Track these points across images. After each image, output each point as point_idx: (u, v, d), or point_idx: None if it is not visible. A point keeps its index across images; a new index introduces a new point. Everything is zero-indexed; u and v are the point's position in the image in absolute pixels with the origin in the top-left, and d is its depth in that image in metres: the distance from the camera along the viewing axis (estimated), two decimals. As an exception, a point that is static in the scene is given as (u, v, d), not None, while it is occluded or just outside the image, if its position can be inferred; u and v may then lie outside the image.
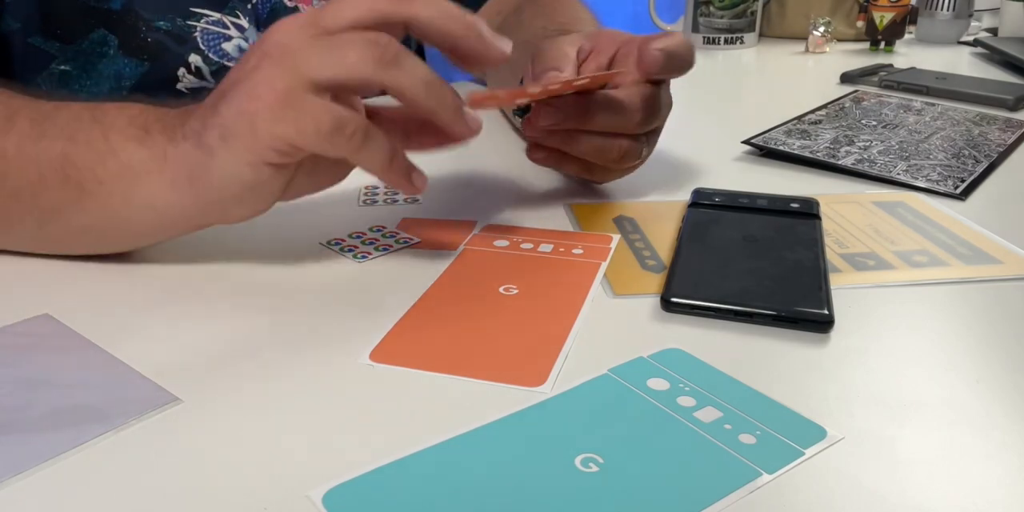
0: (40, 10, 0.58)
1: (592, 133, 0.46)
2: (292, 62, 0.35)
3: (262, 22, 0.67)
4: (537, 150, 0.49)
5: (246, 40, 0.66)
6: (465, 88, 0.83)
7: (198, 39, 0.63)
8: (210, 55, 0.64)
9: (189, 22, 0.62)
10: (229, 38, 0.65)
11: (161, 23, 0.61)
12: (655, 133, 0.50)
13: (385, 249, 0.44)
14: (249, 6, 0.66)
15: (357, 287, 0.40)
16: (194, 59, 0.63)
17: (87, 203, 0.38)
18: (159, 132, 0.38)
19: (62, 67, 0.60)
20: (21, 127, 0.39)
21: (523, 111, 0.54)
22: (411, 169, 0.39)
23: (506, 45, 0.38)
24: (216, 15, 0.64)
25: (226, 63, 0.65)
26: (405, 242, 0.45)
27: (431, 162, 0.59)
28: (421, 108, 0.36)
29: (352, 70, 0.35)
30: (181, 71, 0.63)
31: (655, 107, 0.46)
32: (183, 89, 0.64)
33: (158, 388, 0.32)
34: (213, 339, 0.35)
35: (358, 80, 0.35)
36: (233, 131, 0.35)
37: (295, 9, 0.69)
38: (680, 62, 0.45)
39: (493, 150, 0.63)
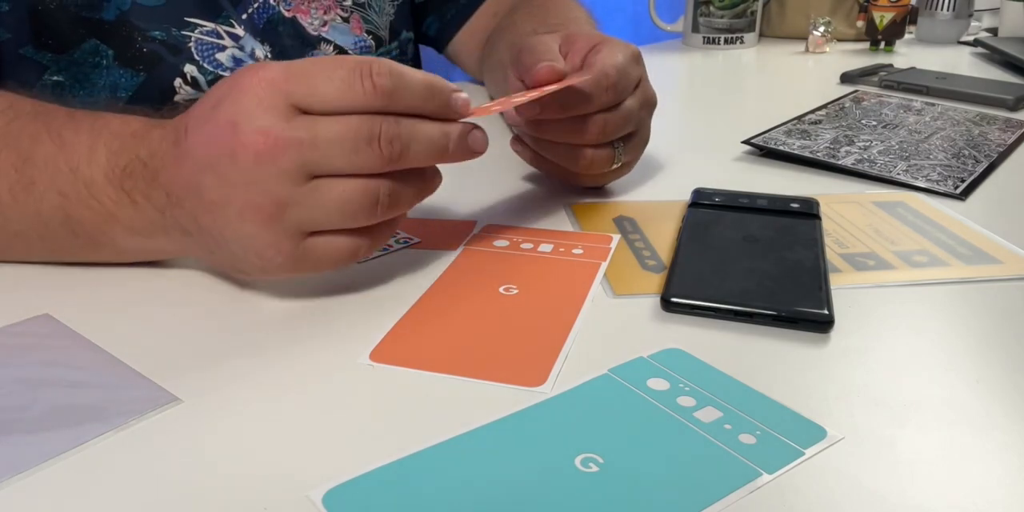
0: (31, 20, 0.57)
1: (559, 146, 0.47)
2: (289, 223, 0.34)
3: (259, 32, 0.67)
4: (517, 142, 0.50)
5: (241, 49, 0.66)
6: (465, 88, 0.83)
7: (192, 49, 0.63)
8: (205, 65, 0.64)
9: (184, 32, 0.62)
10: (223, 48, 0.65)
11: (156, 33, 0.61)
12: (630, 140, 0.49)
13: (385, 249, 0.44)
14: (245, 16, 0.66)
15: (357, 287, 0.40)
16: (189, 69, 0.63)
17: (100, 250, 0.40)
18: (146, 203, 0.37)
19: (55, 78, 0.60)
20: (5, 171, 0.38)
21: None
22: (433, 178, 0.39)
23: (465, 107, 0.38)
24: (210, 25, 0.64)
25: (220, 73, 0.65)
26: (405, 242, 0.45)
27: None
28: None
29: (353, 208, 0.34)
30: (178, 82, 0.63)
31: (613, 119, 0.46)
32: (181, 102, 0.64)
33: (158, 388, 0.32)
34: (213, 339, 0.35)
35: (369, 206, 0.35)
36: (246, 268, 0.36)
37: (292, 19, 0.69)
38: (596, 88, 0.44)
39: (493, 150, 0.63)
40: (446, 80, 0.37)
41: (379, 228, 0.37)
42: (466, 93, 0.37)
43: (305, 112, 0.33)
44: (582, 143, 0.47)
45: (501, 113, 0.66)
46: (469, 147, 0.38)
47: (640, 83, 0.49)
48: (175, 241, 0.38)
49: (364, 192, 0.34)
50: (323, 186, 0.34)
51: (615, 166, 0.49)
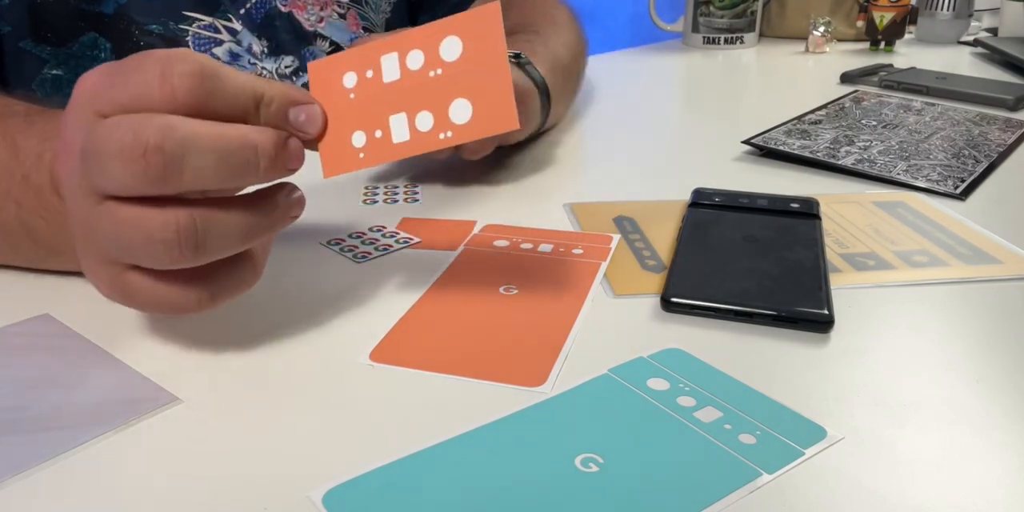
0: (30, 13, 0.58)
1: None
2: (97, 249, 0.30)
3: (256, 27, 0.67)
4: None
5: (238, 44, 0.66)
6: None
7: (190, 43, 0.63)
8: None
9: (181, 26, 0.62)
10: (220, 42, 0.65)
11: (154, 27, 0.61)
12: None
13: (385, 249, 0.44)
14: (242, 10, 0.66)
15: (357, 287, 0.40)
16: None
17: (65, 261, 0.39)
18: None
19: (54, 71, 0.60)
20: None
21: None
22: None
23: None
24: (208, 19, 0.64)
25: None
26: (405, 242, 0.45)
27: (431, 163, 0.59)
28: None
29: (157, 244, 0.28)
30: None
31: None
32: None
33: (158, 388, 0.32)
34: (213, 339, 0.35)
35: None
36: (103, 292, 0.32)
37: (289, 14, 0.69)
38: None
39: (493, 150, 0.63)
40: (299, 90, 0.31)
41: (214, 275, 0.31)
42: (316, 109, 0.32)
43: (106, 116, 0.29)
44: None
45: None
46: (283, 162, 0.30)
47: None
48: None
49: (159, 223, 0.28)
50: (113, 209, 0.29)
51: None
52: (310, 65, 0.34)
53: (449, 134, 0.31)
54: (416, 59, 0.32)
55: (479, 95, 0.30)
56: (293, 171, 0.31)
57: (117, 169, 0.27)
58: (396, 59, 0.32)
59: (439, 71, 0.31)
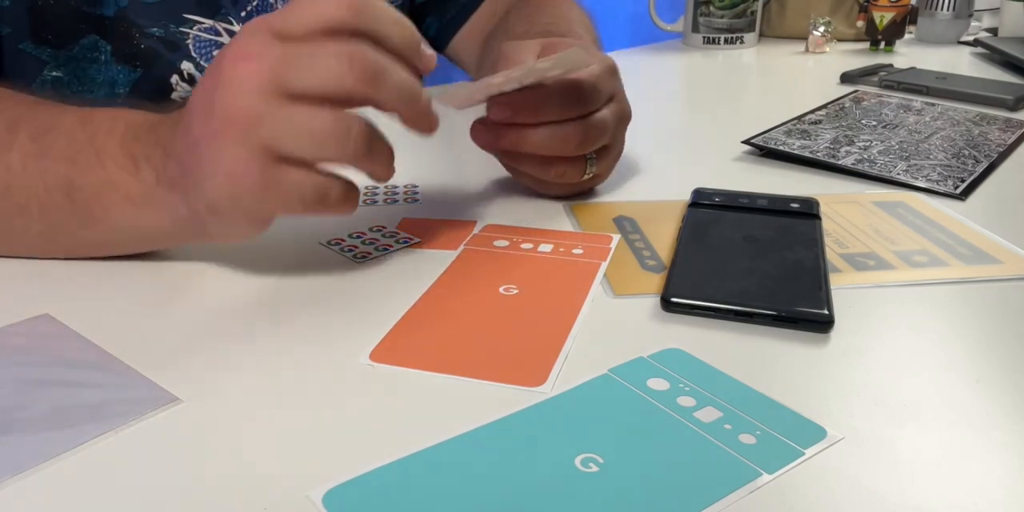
0: (30, 15, 0.57)
1: (532, 157, 0.47)
2: (259, 138, 0.33)
3: None
4: (481, 134, 0.48)
5: None
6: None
7: (190, 46, 0.63)
8: (202, 62, 0.64)
9: (182, 29, 0.62)
10: (221, 45, 0.65)
11: (154, 30, 0.61)
12: (604, 153, 0.49)
13: (385, 249, 0.44)
14: (243, 13, 0.66)
15: (357, 287, 0.40)
16: (186, 66, 0.63)
17: (94, 225, 0.39)
18: (146, 165, 0.38)
19: (54, 73, 0.59)
20: (22, 142, 0.39)
21: None
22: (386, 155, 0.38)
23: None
24: (209, 22, 0.64)
25: None
26: (405, 242, 0.45)
27: (431, 162, 0.59)
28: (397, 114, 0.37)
29: (325, 134, 0.34)
30: (175, 79, 0.63)
31: (587, 129, 0.46)
32: (178, 99, 0.64)
33: (158, 388, 0.32)
34: (213, 339, 0.35)
35: (340, 102, 0.35)
36: (219, 208, 0.35)
37: None
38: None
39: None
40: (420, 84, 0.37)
41: (352, 190, 0.36)
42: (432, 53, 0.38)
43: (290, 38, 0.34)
44: (556, 154, 0.46)
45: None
46: (432, 117, 0.38)
47: (615, 95, 0.48)
48: (164, 209, 0.38)
49: (335, 119, 0.34)
50: (296, 105, 0.33)
51: (586, 177, 0.49)
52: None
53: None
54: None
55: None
56: (433, 130, 0.38)
57: (323, 72, 0.33)
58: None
59: None
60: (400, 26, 0.36)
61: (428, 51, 0.37)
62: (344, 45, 0.33)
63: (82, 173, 0.38)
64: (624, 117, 0.50)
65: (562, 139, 0.45)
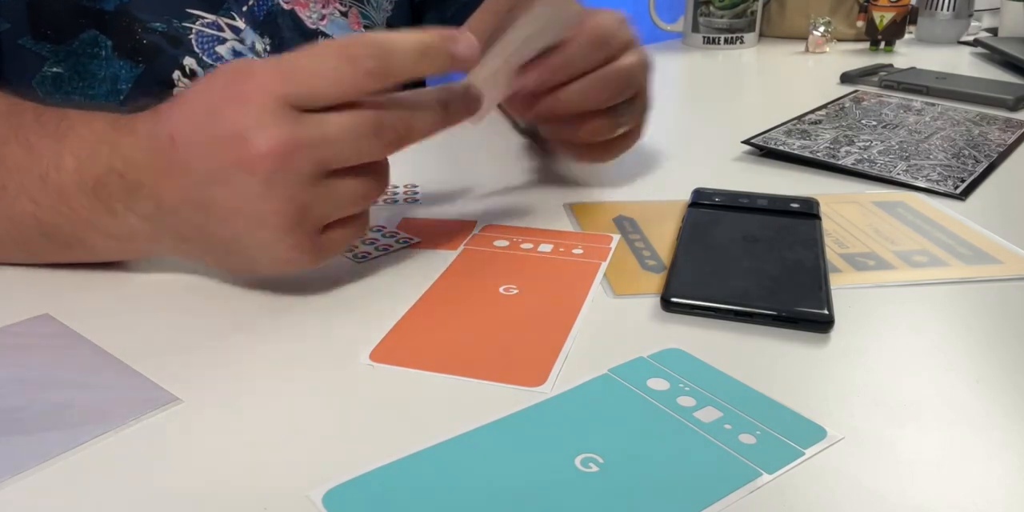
0: (29, 10, 0.57)
1: (567, 121, 0.47)
2: (311, 222, 0.35)
3: (259, 24, 0.67)
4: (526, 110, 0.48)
5: (241, 42, 0.66)
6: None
7: (192, 41, 0.63)
8: (204, 58, 0.64)
9: (184, 24, 0.62)
10: (224, 40, 0.65)
11: (156, 24, 0.61)
12: (632, 103, 0.49)
13: (385, 249, 0.44)
14: (245, 8, 0.66)
15: (357, 287, 0.40)
16: (188, 62, 0.63)
17: (79, 254, 0.39)
18: (124, 209, 0.36)
19: (54, 69, 0.59)
20: None
21: (525, 130, 0.54)
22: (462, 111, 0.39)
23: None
24: (211, 17, 0.64)
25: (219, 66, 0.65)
26: (405, 242, 0.45)
27: (431, 162, 0.59)
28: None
29: (368, 196, 0.36)
30: (176, 74, 0.63)
31: (610, 76, 0.46)
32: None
33: (158, 388, 0.32)
34: (213, 339, 0.35)
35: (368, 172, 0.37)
36: (262, 269, 0.37)
37: (291, 12, 0.69)
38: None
39: (493, 150, 0.63)
40: (442, 30, 0.36)
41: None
42: (468, 35, 0.36)
43: (306, 109, 0.33)
44: (589, 108, 0.46)
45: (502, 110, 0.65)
46: (469, 108, 0.39)
47: (630, 43, 0.48)
48: (164, 245, 0.37)
49: (375, 180, 0.36)
50: (338, 181, 0.35)
51: (620, 131, 0.49)
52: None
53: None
54: None
55: None
56: (475, 112, 0.39)
57: (357, 147, 0.34)
58: None
59: None
60: (426, 61, 0.35)
61: (463, 45, 0.36)
62: (373, 118, 0.34)
63: (49, 213, 0.37)
64: (646, 64, 0.50)
65: (591, 90, 0.45)
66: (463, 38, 0.36)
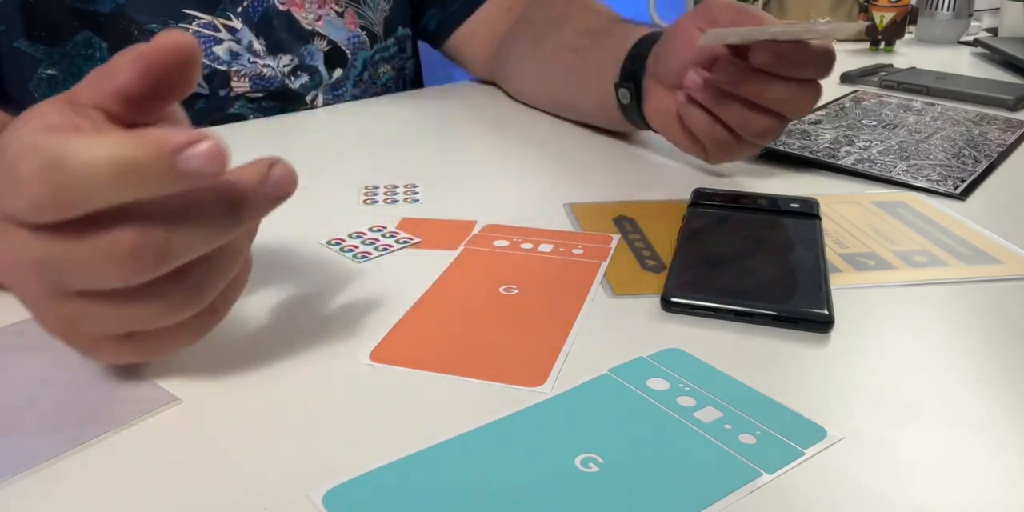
0: (23, 12, 0.57)
1: (743, 103, 0.47)
2: (88, 336, 0.28)
3: (254, 25, 0.67)
4: (691, 108, 0.49)
5: (238, 42, 0.66)
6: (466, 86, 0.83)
7: None
8: (202, 59, 0.64)
9: (182, 24, 0.62)
10: (220, 41, 0.65)
11: (153, 26, 0.61)
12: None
13: (385, 249, 0.44)
14: (240, 9, 0.66)
15: (357, 287, 0.40)
16: None
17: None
18: None
19: (49, 71, 0.59)
20: None
21: (628, 87, 0.55)
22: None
23: None
24: (207, 17, 0.64)
25: (217, 67, 0.65)
26: (405, 242, 0.45)
27: (431, 162, 0.59)
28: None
29: (153, 317, 0.27)
30: None
31: (817, 99, 0.48)
32: None
33: (158, 388, 0.32)
34: (213, 339, 0.35)
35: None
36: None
37: (287, 13, 0.69)
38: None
39: (493, 150, 0.63)
40: (176, 131, 0.24)
41: (195, 277, 0.27)
42: (214, 141, 0.24)
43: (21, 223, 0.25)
44: (787, 113, 0.47)
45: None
46: (272, 197, 0.27)
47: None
48: None
49: (149, 302, 0.27)
50: (97, 303, 0.27)
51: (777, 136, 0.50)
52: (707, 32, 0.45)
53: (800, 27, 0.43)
54: None
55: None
56: (289, 195, 0.27)
57: (104, 274, 0.25)
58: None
59: None
60: (132, 182, 0.23)
61: (201, 151, 0.24)
62: (103, 242, 0.25)
63: None
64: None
65: (802, 98, 0.46)
66: (198, 148, 0.23)
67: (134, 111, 0.28)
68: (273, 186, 0.27)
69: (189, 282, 0.27)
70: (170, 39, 0.27)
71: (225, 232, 0.27)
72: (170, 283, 0.27)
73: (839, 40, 0.44)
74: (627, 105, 0.56)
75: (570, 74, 0.65)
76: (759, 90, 0.46)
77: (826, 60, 0.45)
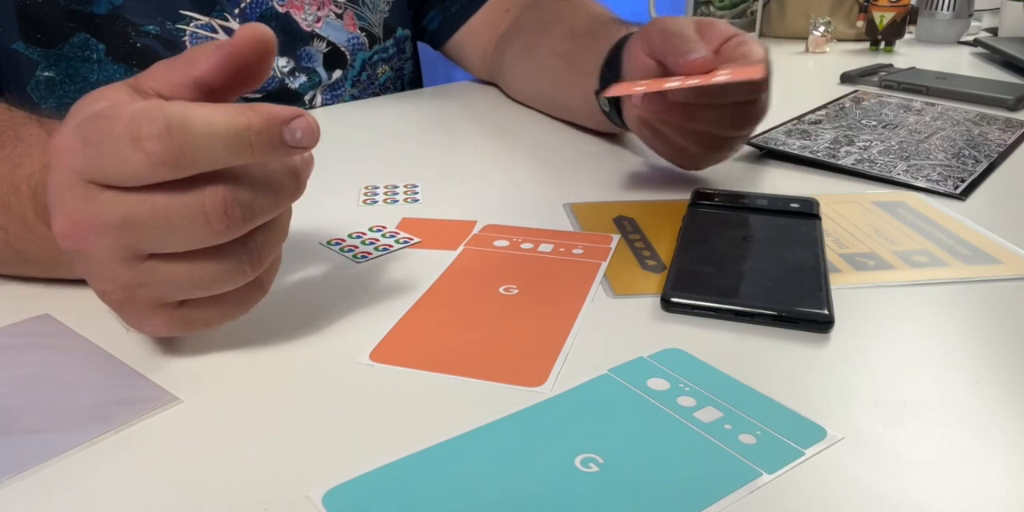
0: (19, 14, 0.57)
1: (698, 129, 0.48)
2: (146, 300, 0.30)
3: None
4: (643, 126, 0.51)
5: None
6: (464, 86, 0.83)
7: (187, 43, 0.63)
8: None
9: (179, 26, 0.62)
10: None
11: (150, 27, 0.61)
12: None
13: (385, 249, 0.44)
14: (237, 10, 0.66)
15: (357, 287, 0.40)
16: None
17: (63, 273, 0.38)
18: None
19: (46, 74, 0.59)
20: None
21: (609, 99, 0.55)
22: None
23: None
24: (205, 19, 0.64)
25: None
26: (405, 242, 0.45)
27: (431, 162, 0.59)
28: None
29: (218, 280, 0.29)
30: None
31: (763, 110, 0.48)
32: None
33: (158, 388, 0.32)
34: (213, 339, 0.35)
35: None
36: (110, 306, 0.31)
37: (286, 15, 0.69)
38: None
39: (493, 150, 0.63)
40: (272, 108, 0.28)
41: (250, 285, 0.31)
42: (308, 117, 0.28)
43: (109, 185, 0.28)
44: (732, 135, 0.48)
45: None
46: (297, 142, 0.29)
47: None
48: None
49: (217, 263, 0.29)
50: (165, 265, 0.29)
51: (731, 155, 0.51)
52: (614, 87, 0.46)
53: (697, 80, 0.42)
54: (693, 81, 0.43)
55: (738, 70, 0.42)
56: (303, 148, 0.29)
57: (181, 233, 0.28)
58: (678, 82, 0.43)
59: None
60: (239, 150, 0.27)
61: (300, 127, 0.28)
62: (188, 201, 0.28)
63: (20, 241, 0.36)
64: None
65: (737, 118, 0.47)
66: (301, 122, 0.28)
67: (206, 101, 0.30)
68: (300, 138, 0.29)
69: (252, 245, 0.30)
70: (252, 31, 0.29)
71: (290, 198, 0.30)
72: (236, 245, 0.29)
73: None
74: (608, 112, 0.57)
75: (559, 79, 0.66)
76: (683, 121, 0.47)
77: (754, 86, 0.45)
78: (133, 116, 0.26)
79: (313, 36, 0.71)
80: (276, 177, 0.29)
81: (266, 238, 0.31)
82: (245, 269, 0.30)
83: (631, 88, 0.43)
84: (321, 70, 0.72)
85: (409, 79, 0.84)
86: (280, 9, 0.68)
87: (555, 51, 0.67)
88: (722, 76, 0.42)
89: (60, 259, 0.35)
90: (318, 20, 0.71)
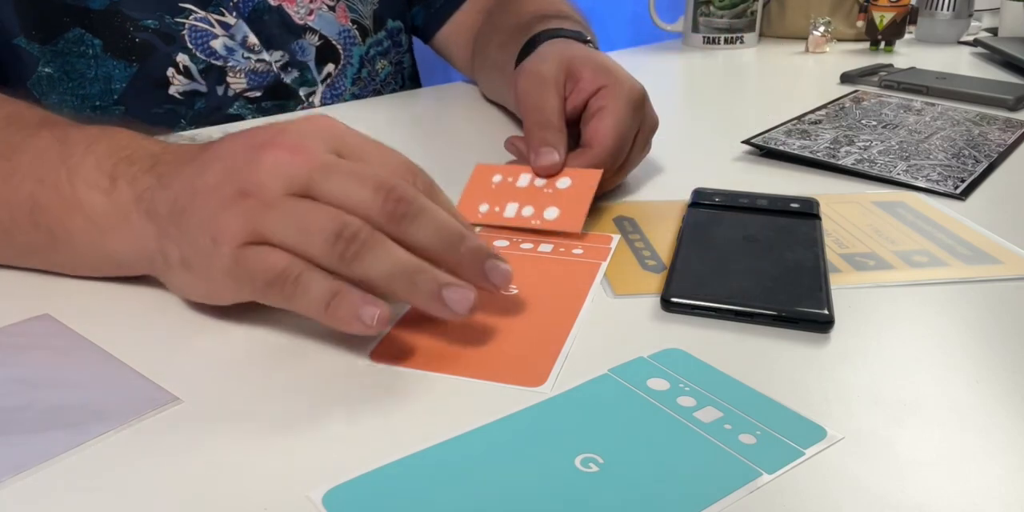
0: (17, 9, 0.57)
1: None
2: (253, 214, 0.32)
3: (246, 19, 0.67)
4: (513, 145, 0.52)
5: (231, 38, 0.66)
6: (459, 88, 0.83)
7: (186, 37, 0.62)
8: (198, 53, 0.63)
9: (177, 19, 0.62)
10: (216, 36, 0.65)
11: (149, 22, 0.61)
12: (633, 153, 0.51)
13: (385, 249, 0.44)
14: (231, 3, 0.66)
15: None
16: (182, 58, 0.63)
17: (60, 248, 0.38)
18: (126, 184, 0.36)
19: (46, 70, 0.59)
20: None
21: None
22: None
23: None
24: (202, 13, 0.64)
25: (213, 61, 0.65)
26: (405, 242, 0.45)
27: (431, 162, 0.59)
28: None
29: (318, 232, 0.31)
30: (170, 72, 0.63)
31: (625, 169, 0.50)
32: (176, 94, 0.64)
33: (158, 388, 0.32)
34: (213, 339, 0.35)
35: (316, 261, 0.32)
36: (194, 264, 0.34)
37: (279, 8, 0.69)
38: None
39: (493, 150, 0.63)
40: (471, 231, 0.34)
41: (336, 286, 0.32)
42: (507, 266, 0.34)
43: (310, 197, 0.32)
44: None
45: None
46: (496, 274, 0.35)
47: (644, 121, 0.50)
48: (131, 235, 0.36)
49: (333, 218, 0.31)
50: (304, 202, 0.32)
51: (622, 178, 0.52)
52: (478, 167, 0.49)
53: (537, 222, 0.45)
54: (540, 181, 0.47)
55: (566, 207, 0.45)
56: (500, 286, 0.35)
57: (345, 197, 0.32)
58: (529, 177, 0.48)
59: (550, 190, 0.46)
60: (444, 243, 0.33)
61: (500, 269, 0.35)
62: (388, 179, 0.33)
63: (47, 192, 0.36)
64: (652, 130, 0.52)
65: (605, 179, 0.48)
66: (501, 266, 0.35)
67: None
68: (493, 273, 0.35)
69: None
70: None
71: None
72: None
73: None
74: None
75: (503, 90, 0.67)
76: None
77: (604, 159, 0.47)
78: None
79: (306, 29, 0.71)
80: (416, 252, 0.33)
81: (372, 244, 0.33)
82: (343, 242, 0.32)
83: (494, 220, 0.46)
84: (312, 65, 0.72)
85: (408, 74, 0.84)
86: (273, 3, 0.68)
87: (495, 64, 0.68)
88: (546, 219, 0.45)
89: (67, 221, 0.36)
90: (310, 13, 0.71)
